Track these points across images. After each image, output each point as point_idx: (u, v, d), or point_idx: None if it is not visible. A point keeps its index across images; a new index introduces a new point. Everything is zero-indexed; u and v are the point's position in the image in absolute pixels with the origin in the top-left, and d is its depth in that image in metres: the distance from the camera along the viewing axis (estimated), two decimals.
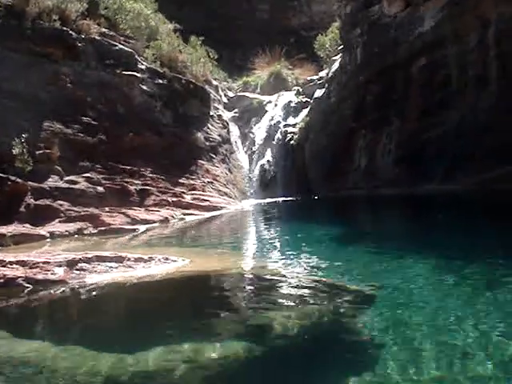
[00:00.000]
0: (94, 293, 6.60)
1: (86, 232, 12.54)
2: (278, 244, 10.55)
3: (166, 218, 14.69)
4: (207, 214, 16.24)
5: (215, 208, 17.05)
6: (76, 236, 12.16)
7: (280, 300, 5.77)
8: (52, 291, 6.60)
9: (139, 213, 14.23)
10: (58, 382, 3.93)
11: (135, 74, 17.40)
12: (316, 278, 6.71)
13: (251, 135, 23.36)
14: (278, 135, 22.60)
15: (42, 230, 11.89)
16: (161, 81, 18.40)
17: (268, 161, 22.05)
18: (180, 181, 17.20)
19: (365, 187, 19.25)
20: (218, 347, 4.37)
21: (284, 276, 6.96)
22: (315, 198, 19.84)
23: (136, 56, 17.82)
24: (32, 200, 12.59)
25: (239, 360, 4.14)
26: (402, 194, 17.00)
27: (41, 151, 13.68)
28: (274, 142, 22.48)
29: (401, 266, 7.34)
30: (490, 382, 3.47)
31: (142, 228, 13.29)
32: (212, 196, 17.85)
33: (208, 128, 20.43)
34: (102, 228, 12.73)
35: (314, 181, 21.16)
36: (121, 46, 17.34)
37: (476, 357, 3.87)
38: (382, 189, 18.43)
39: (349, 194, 19.23)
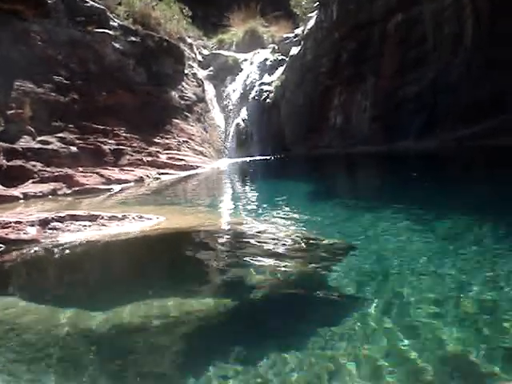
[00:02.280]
0: (67, 251, 6.52)
1: (60, 193, 12.40)
2: (254, 201, 10.53)
3: (141, 177, 14.59)
4: (183, 174, 16.16)
5: (191, 167, 16.97)
6: (50, 197, 12.01)
7: (255, 255, 5.75)
8: (25, 251, 6.51)
9: (114, 172, 14.10)
10: (30, 339, 3.90)
11: (107, 31, 17.06)
12: (292, 232, 6.72)
13: (226, 94, 23.15)
14: (254, 93, 22.42)
15: (15, 191, 11.71)
16: (134, 38, 18.05)
17: (244, 119, 21.89)
18: (155, 140, 17.04)
19: (341, 145, 19.26)
20: (194, 302, 4.37)
21: (260, 231, 6.95)
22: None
23: (108, 13, 17.44)
24: (4, 161, 12.39)
25: (215, 314, 4.14)
26: (378, 152, 17.05)
27: (12, 111, 13.43)
28: (250, 101, 22.31)
29: (376, 220, 7.38)
30: (459, 330, 3.51)
31: (117, 188, 13.18)
32: (187, 155, 17.75)
33: (182, 86, 20.18)
34: (77, 188, 12.61)
35: (290, 139, 21.11)
36: (92, 3, 16.94)
37: (449, 306, 3.92)
38: (357, 146, 18.46)
39: (325, 151, 19.22)
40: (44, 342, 3.85)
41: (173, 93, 19.22)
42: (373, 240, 6.29)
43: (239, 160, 20.18)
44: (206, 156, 19.10)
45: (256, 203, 10.17)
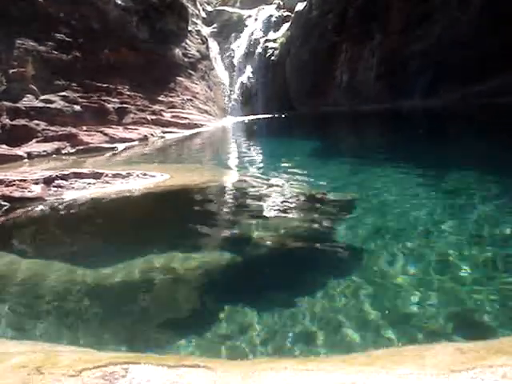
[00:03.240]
0: (72, 209, 6.52)
1: (64, 152, 12.40)
2: (258, 159, 10.49)
3: (146, 136, 14.55)
4: (187, 132, 16.10)
5: (195, 126, 16.89)
6: (54, 156, 12.01)
7: (261, 210, 5.74)
8: (30, 208, 6.53)
9: (118, 131, 14.05)
10: (37, 293, 3.92)
11: None
12: (297, 188, 6.69)
13: (231, 51, 22.88)
14: (259, 51, 22.16)
15: (20, 151, 11.72)
16: None
17: (248, 77, 21.69)
18: (159, 98, 16.91)
19: (346, 103, 19.11)
20: (198, 257, 4.36)
21: (265, 187, 6.93)
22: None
23: None
24: (7, 120, 12.35)
25: (222, 267, 4.14)
26: (384, 110, 16.91)
27: (14, 70, 13.32)
28: (255, 58, 22.06)
29: (380, 176, 7.32)
30: (463, 283, 3.51)
31: (121, 146, 13.17)
32: (192, 113, 17.64)
33: (186, 44, 19.93)
34: (81, 147, 12.59)
35: (295, 97, 20.95)
36: None
37: (450, 259, 3.91)
38: (363, 105, 18.31)
39: (330, 110, 19.08)
40: (52, 295, 3.87)
41: (176, 50, 18.99)
42: (377, 195, 6.26)
43: (244, 118, 20.06)
44: (210, 114, 18.98)
45: (261, 160, 10.14)
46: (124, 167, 8.95)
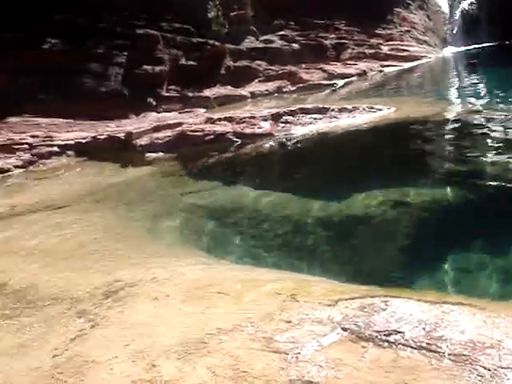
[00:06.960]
0: (300, 144, 6.65)
1: (284, 90, 12.68)
2: (483, 91, 9.77)
3: (364, 70, 14.34)
4: (406, 65, 15.55)
5: (414, 58, 16.24)
6: (275, 95, 12.33)
7: (489, 147, 5.29)
8: (259, 144, 6.77)
9: (336, 67, 14.02)
10: (267, 225, 4.06)
11: None
12: None
13: None
14: None
15: (243, 91, 12.22)
16: None
17: (471, 3, 20.18)
18: (376, 32, 16.51)
19: None
20: (425, 192, 4.19)
21: (492, 122, 6.38)
22: None
23: None
24: (231, 62, 12.88)
25: (447, 204, 3.94)
26: None
27: (234, 13, 13.78)
28: None
29: None
30: None
31: (340, 82, 13.13)
32: (410, 45, 16.97)
33: None
34: (300, 85, 12.78)
35: None
36: None
37: None
38: None
39: None
40: (287, 226, 3.99)
41: None
42: None
43: (466, 48, 18.86)
44: (430, 45, 18.13)
45: (487, 92, 9.42)
46: (345, 102, 8.90)
